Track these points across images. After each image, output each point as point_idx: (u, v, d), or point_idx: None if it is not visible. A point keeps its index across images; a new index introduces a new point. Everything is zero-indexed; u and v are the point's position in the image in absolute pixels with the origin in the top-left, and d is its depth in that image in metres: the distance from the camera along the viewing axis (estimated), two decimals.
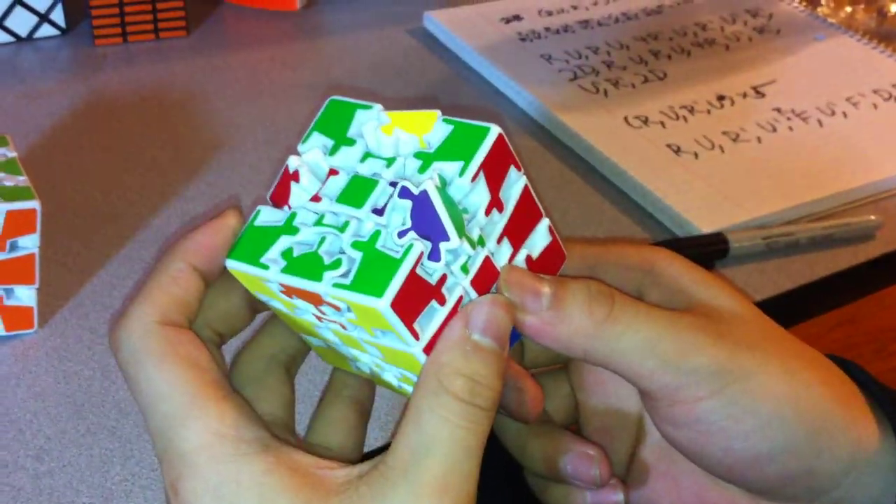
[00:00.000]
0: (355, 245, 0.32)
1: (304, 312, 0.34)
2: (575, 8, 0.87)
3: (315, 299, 0.32)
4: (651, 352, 0.34)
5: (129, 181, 0.66)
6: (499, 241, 0.34)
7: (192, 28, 0.83)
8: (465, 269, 0.33)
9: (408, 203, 0.32)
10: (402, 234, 0.32)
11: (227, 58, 0.80)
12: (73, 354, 0.53)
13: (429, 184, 0.32)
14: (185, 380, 0.31)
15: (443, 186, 0.32)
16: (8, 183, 0.52)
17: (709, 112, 0.74)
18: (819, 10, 0.88)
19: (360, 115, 0.35)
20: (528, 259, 0.35)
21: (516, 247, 0.35)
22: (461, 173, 0.32)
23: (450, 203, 0.32)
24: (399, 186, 0.32)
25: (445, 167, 0.33)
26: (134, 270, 0.59)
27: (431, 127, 0.34)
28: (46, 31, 0.80)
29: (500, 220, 0.34)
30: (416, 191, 0.32)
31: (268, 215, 0.34)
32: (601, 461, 0.38)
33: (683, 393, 0.35)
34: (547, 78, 0.77)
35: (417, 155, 0.34)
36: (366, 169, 0.34)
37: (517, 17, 0.85)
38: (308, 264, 0.32)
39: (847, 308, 0.60)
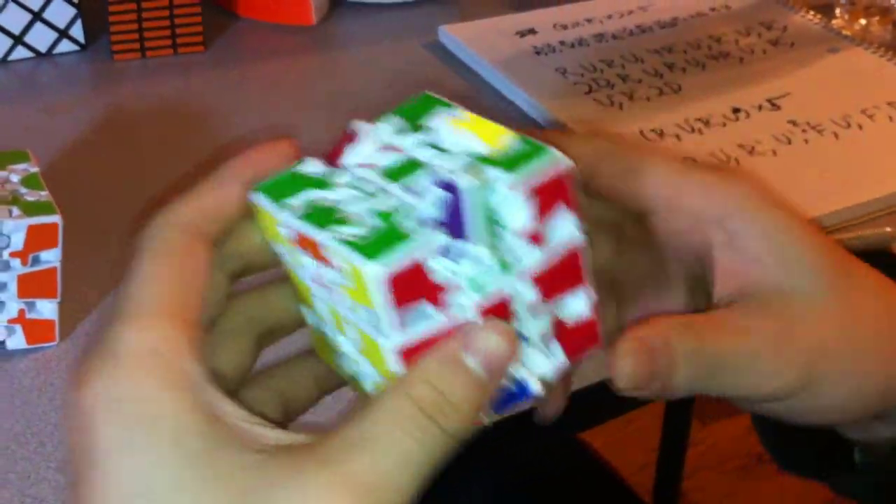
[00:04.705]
0: (377, 213, 0.31)
1: (306, 273, 0.33)
2: (589, 21, 0.87)
3: (317, 252, 0.31)
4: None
5: (149, 195, 0.66)
6: (524, 278, 0.33)
7: (209, 43, 0.83)
8: (475, 286, 0.32)
9: (442, 193, 0.31)
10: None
11: (244, 72, 0.81)
12: None
13: (467, 179, 0.31)
14: (160, 286, 0.29)
15: (483, 188, 0.32)
16: (30, 198, 0.53)
17: (724, 125, 0.74)
18: (833, 22, 0.88)
19: (442, 110, 0.35)
20: (557, 323, 0.33)
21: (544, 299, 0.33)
22: (509, 184, 0.32)
23: (485, 207, 0.31)
24: (438, 175, 0.31)
25: (499, 175, 0.32)
26: None
27: (504, 138, 0.33)
28: (66, 46, 0.81)
29: (534, 256, 0.32)
30: (453, 182, 0.31)
31: (310, 166, 0.34)
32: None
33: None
34: (562, 91, 0.77)
35: (477, 157, 0.33)
36: (423, 155, 0.33)
37: (532, 31, 0.85)
38: (323, 216, 0.31)
39: None
